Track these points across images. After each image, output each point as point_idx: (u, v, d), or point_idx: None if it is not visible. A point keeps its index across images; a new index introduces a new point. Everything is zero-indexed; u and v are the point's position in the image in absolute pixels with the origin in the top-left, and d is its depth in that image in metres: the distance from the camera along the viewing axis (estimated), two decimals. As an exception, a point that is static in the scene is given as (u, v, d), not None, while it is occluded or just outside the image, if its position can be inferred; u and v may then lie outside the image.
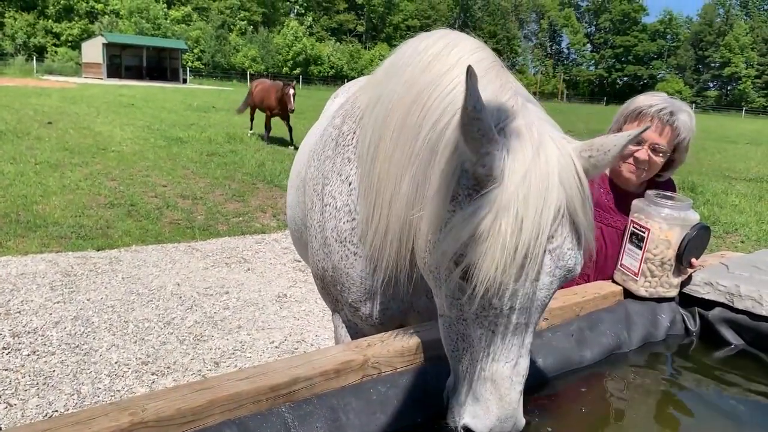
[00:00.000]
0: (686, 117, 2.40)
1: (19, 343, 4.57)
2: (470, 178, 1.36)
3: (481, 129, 1.28)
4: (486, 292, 1.32)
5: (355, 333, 2.41)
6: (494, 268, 1.28)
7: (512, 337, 1.38)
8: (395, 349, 1.61)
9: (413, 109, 1.60)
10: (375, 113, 1.82)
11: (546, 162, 1.32)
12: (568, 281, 1.42)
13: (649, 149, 2.39)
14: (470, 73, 1.22)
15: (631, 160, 2.43)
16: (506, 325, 1.36)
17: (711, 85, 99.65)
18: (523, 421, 1.39)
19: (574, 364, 1.92)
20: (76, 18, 64.57)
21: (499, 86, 1.52)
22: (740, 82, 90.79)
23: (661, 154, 2.40)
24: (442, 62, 1.61)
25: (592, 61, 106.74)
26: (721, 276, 2.29)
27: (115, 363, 4.39)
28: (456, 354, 1.45)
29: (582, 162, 1.37)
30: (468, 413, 1.38)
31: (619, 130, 2.49)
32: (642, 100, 2.45)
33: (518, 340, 1.39)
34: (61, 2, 63.39)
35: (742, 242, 8.85)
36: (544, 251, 1.32)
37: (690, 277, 2.32)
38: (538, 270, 1.32)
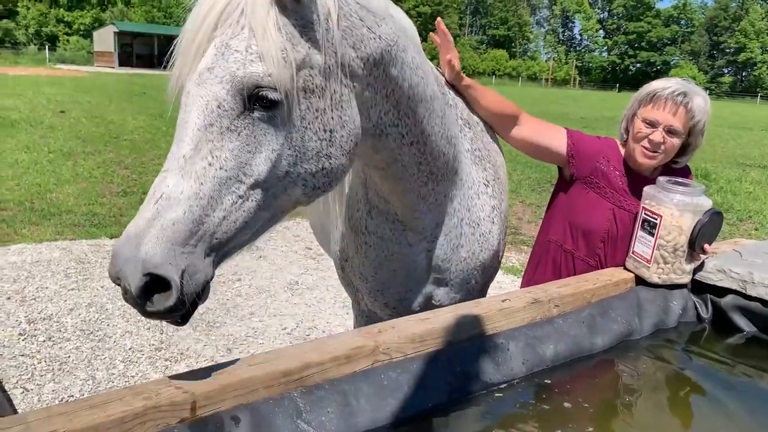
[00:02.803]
0: (701, 100, 2.38)
1: (35, 330, 4.63)
2: None
3: None
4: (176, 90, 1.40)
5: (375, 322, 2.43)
6: (177, 57, 1.39)
7: (173, 144, 1.35)
8: (406, 335, 1.61)
9: None
10: None
11: None
12: (235, 92, 1.34)
13: (664, 131, 2.37)
14: None
15: (645, 142, 2.41)
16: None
17: (726, 71, 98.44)
18: (149, 260, 1.22)
19: (585, 351, 1.92)
20: (88, 7, 64.70)
21: None
22: (755, 67, 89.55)
23: (676, 136, 2.38)
24: None
25: (605, 47, 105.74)
26: (735, 263, 2.27)
27: (129, 349, 4.44)
28: None
29: None
30: None
31: (634, 114, 2.48)
32: (656, 84, 2.45)
33: (175, 147, 1.33)
34: (73, -9, 63.54)
35: (756, 230, 8.77)
36: (209, 41, 1.37)
37: (702, 264, 2.31)
38: (201, 62, 1.36)
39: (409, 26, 1.84)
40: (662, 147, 2.39)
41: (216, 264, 1.39)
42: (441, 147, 1.94)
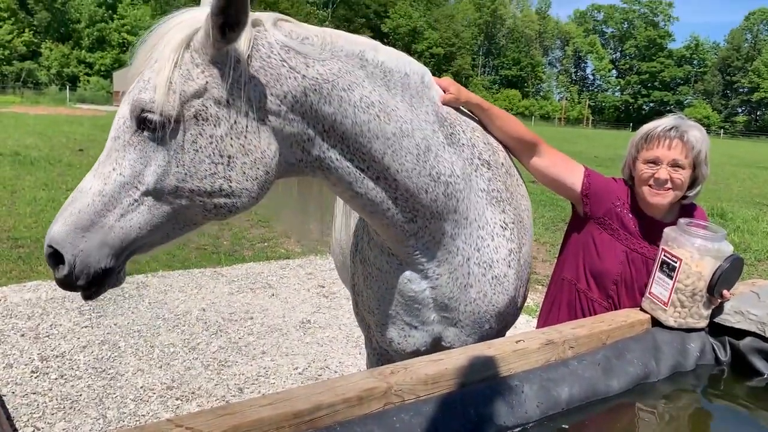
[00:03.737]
0: (696, 131, 2.39)
1: (48, 367, 4.63)
2: None
3: None
4: None
5: (386, 362, 2.41)
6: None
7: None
8: (419, 377, 1.60)
9: None
10: None
11: (182, 14, 1.69)
12: (134, 112, 1.61)
13: (668, 167, 2.38)
14: None
15: (651, 181, 2.41)
16: None
17: (740, 110, 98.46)
18: (51, 236, 1.59)
19: (601, 394, 1.88)
20: (108, 48, 66.27)
21: None
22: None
23: (681, 169, 2.38)
24: None
25: (618, 87, 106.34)
26: (752, 305, 2.24)
27: (141, 387, 4.42)
28: None
29: (208, 20, 1.59)
30: None
31: (634, 160, 2.49)
32: (648, 125, 2.48)
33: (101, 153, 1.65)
34: (95, 34, 65.14)
35: (775, 270, 8.66)
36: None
37: (720, 306, 2.28)
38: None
39: (399, 67, 1.92)
40: (669, 183, 2.38)
41: (123, 256, 1.67)
42: (421, 184, 1.94)
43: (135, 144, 1.61)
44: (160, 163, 1.61)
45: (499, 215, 2.18)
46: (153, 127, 1.59)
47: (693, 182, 2.48)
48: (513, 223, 2.22)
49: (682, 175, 2.38)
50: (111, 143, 1.63)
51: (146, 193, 1.62)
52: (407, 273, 2.14)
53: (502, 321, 2.29)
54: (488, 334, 2.25)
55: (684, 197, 2.49)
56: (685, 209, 2.53)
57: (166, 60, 1.59)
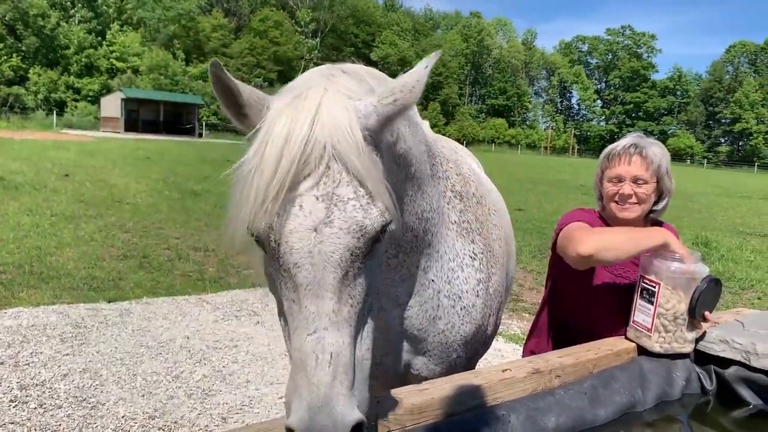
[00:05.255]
0: (656, 147, 2.54)
1: (27, 396, 4.54)
2: None
3: (228, 98, 1.38)
4: (263, 244, 1.36)
5: None
6: (249, 205, 1.32)
7: (307, 302, 1.31)
8: (405, 406, 1.59)
9: None
10: None
11: (304, 102, 1.36)
12: (367, 238, 1.35)
13: (631, 183, 2.49)
14: (213, 63, 1.33)
15: (617, 198, 2.53)
16: (296, 287, 1.32)
17: (722, 140, 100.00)
18: (347, 416, 1.23)
19: (588, 424, 1.88)
20: (97, 74, 66.31)
21: (318, 74, 1.57)
22: (751, 137, 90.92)
23: (644, 184, 2.50)
24: None
25: (603, 117, 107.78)
26: (737, 333, 2.25)
27: (122, 417, 4.34)
28: (284, 338, 1.42)
29: (383, 108, 1.41)
30: (291, 409, 1.28)
31: (600, 180, 2.64)
32: (610, 146, 2.65)
33: (314, 306, 1.30)
34: (84, 60, 65.24)
35: (759, 299, 8.71)
36: (311, 196, 1.31)
37: (705, 334, 2.29)
38: (309, 215, 1.31)
39: None
40: (633, 198, 2.50)
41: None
42: (410, 223, 1.94)
43: (365, 264, 1.39)
44: (379, 261, 1.49)
45: (468, 246, 2.18)
46: (382, 239, 1.42)
47: (659, 196, 2.56)
48: (482, 253, 2.22)
49: (646, 190, 2.50)
50: (339, 285, 1.33)
51: (369, 309, 1.44)
52: (383, 302, 2.12)
53: (471, 350, 2.28)
54: (456, 362, 2.24)
55: (652, 211, 2.57)
56: (654, 222, 2.63)
57: (366, 164, 1.35)
